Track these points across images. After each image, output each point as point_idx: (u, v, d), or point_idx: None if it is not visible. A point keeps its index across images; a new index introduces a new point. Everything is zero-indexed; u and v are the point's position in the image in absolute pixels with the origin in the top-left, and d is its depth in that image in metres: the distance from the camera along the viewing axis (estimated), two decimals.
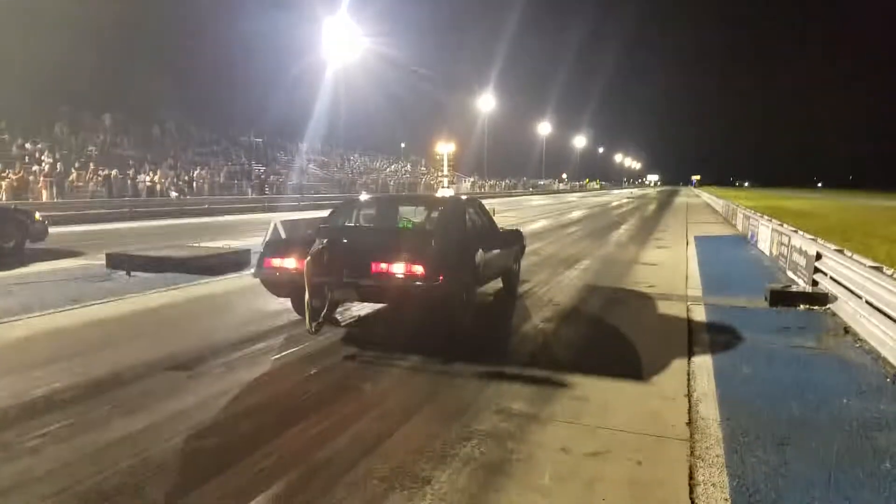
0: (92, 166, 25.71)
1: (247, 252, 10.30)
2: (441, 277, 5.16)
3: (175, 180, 28.27)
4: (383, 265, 5.13)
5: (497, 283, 7.92)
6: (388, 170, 56.84)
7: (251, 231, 15.88)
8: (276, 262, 5.55)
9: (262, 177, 36.10)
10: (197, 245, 11.49)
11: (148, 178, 26.85)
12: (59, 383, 4.26)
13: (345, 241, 5.53)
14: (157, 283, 8.10)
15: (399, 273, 5.11)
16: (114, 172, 25.68)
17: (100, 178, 24.69)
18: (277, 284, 5.72)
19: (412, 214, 7.28)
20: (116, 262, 9.25)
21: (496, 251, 7.02)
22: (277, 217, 14.28)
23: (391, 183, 49.31)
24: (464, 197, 8.62)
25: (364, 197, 8.28)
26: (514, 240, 8.13)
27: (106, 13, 35.63)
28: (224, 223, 20.52)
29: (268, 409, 3.93)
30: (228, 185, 32.11)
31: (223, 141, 41.54)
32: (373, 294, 5.46)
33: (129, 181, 25.77)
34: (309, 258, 5.05)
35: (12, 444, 3.32)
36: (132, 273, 8.80)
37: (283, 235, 12.37)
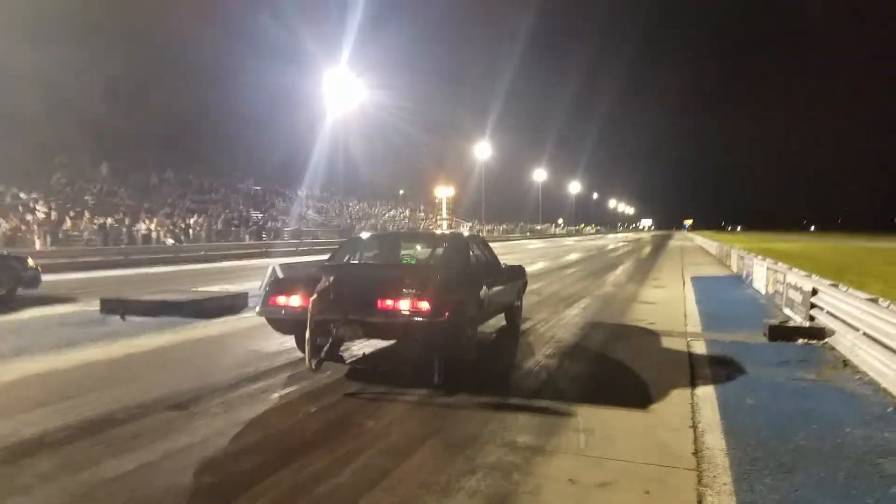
0: (87, 215, 25.81)
1: (243, 295, 10.26)
2: (447, 314, 5.11)
3: (171, 227, 28.37)
4: (389, 301, 5.10)
5: (499, 320, 7.91)
6: (386, 215, 57.27)
7: (248, 276, 15.84)
8: (282, 300, 5.53)
9: (260, 223, 36.29)
10: (193, 290, 11.44)
11: (144, 226, 26.95)
12: (51, 424, 4.17)
13: (350, 278, 5.52)
14: (152, 327, 8.01)
15: (405, 309, 5.06)
16: (109, 221, 25.78)
17: (94, 227, 24.76)
18: (282, 322, 5.69)
19: (415, 251, 7.29)
20: (111, 306, 9.17)
21: (499, 287, 7.03)
22: (275, 262, 14.33)
23: (390, 228, 49.62)
24: (466, 233, 8.63)
25: (367, 235, 8.30)
26: (516, 276, 8.14)
27: (103, 63, 36.41)
28: (220, 269, 20.46)
29: (266, 446, 3.85)
30: (226, 231, 32.23)
31: (221, 189, 41.88)
32: (378, 330, 5.40)
33: (124, 229, 25.85)
34: (315, 296, 5.03)
35: (2, 484, 3.23)
36: (126, 317, 8.72)
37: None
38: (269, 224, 37.01)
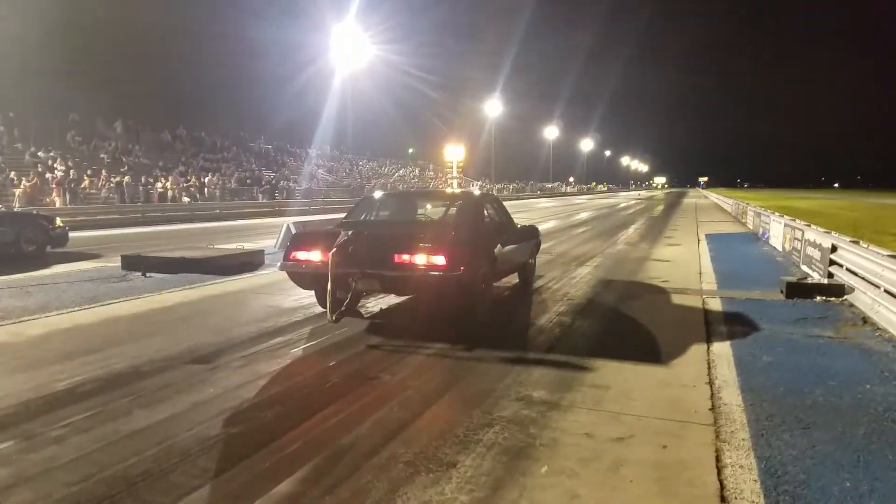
0: (104, 173, 25.94)
1: (260, 253, 10.36)
2: (462, 268, 5.22)
3: (186, 185, 28.46)
4: (405, 256, 5.27)
5: (512, 278, 7.93)
6: (396, 175, 56.97)
7: (263, 234, 15.96)
8: (302, 254, 5.69)
9: (273, 182, 36.28)
10: (210, 247, 11.56)
11: (160, 185, 27.07)
12: (80, 377, 4.29)
13: (367, 233, 5.61)
14: (173, 283, 8.14)
15: (420, 263, 5.21)
16: (126, 179, 25.90)
17: (112, 185, 24.92)
18: (303, 276, 5.86)
19: (430, 209, 7.30)
20: (132, 263, 9.31)
21: (513, 245, 7.08)
22: (289, 220, 14.39)
23: (400, 187, 49.44)
24: (477, 192, 8.74)
25: (381, 194, 8.32)
26: (530, 235, 8.23)
27: (114, 21, 35.96)
28: (235, 227, 20.61)
29: (289, 398, 3.94)
30: (239, 190, 32.29)
31: (234, 147, 41.76)
32: (395, 284, 5.53)
33: (140, 187, 25.99)
34: (334, 250, 5.13)
35: (36, 434, 3.34)
36: (147, 274, 8.85)
37: None
38: (282, 183, 36.98)
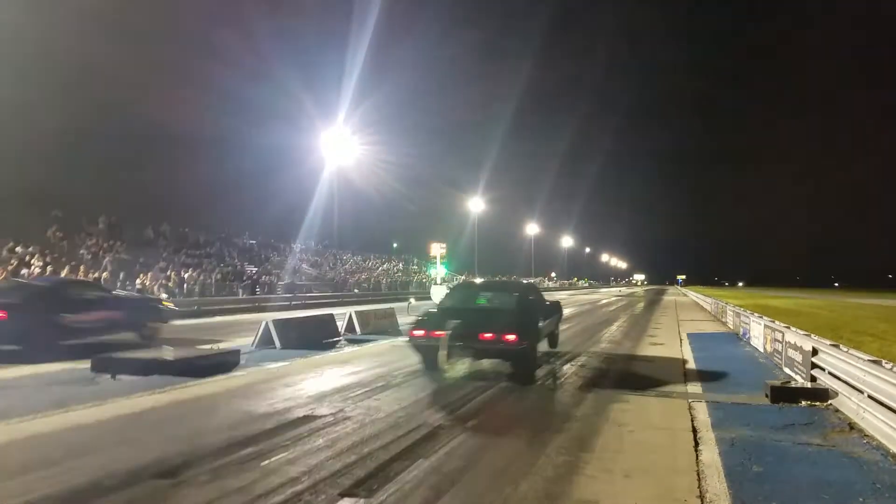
0: (82, 269, 25.68)
1: (235, 353, 10.10)
2: (526, 343, 8.06)
3: (165, 282, 28.19)
4: (488, 334, 8.03)
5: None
6: (380, 269, 57.21)
7: (241, 331, 15.66)
8: (418, 332, 8.57)
9: (255, 277, 36.13)
10: (184, 347, 11.25)
11: (139, 281, 26.78)
12: (35, 493, 4.01)
13: (462, 318, 8.35)
14: (143, 386, 7.83)
15: (498, 339, 7.93)
16: (104, 275, 25.63)
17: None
18: (419, 346, 8.68)
19: (496, 297, 9.91)
20: (101, 365, 8.98)
21: (547, 320, 10.49)
22: (270, 316, 14.20)
23: (384, 281, 49.55)
24: (524, 282, 11.20)
25: (467, 283, 11.17)
26: (556, 310, 12.20)
27: (100, 117, 37.11)
28: (213, 324, 20.20)
29: None
30: (220, 286, 32.03)
31: (217, 243, 41.88)
32: (481, 353, 8.41)
33: (118, 283, 25.67)
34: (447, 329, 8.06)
35: None
36: (117, 376, 8.53)
37: (275, 334, 12.28)
38: (264, 278, 36.84)
